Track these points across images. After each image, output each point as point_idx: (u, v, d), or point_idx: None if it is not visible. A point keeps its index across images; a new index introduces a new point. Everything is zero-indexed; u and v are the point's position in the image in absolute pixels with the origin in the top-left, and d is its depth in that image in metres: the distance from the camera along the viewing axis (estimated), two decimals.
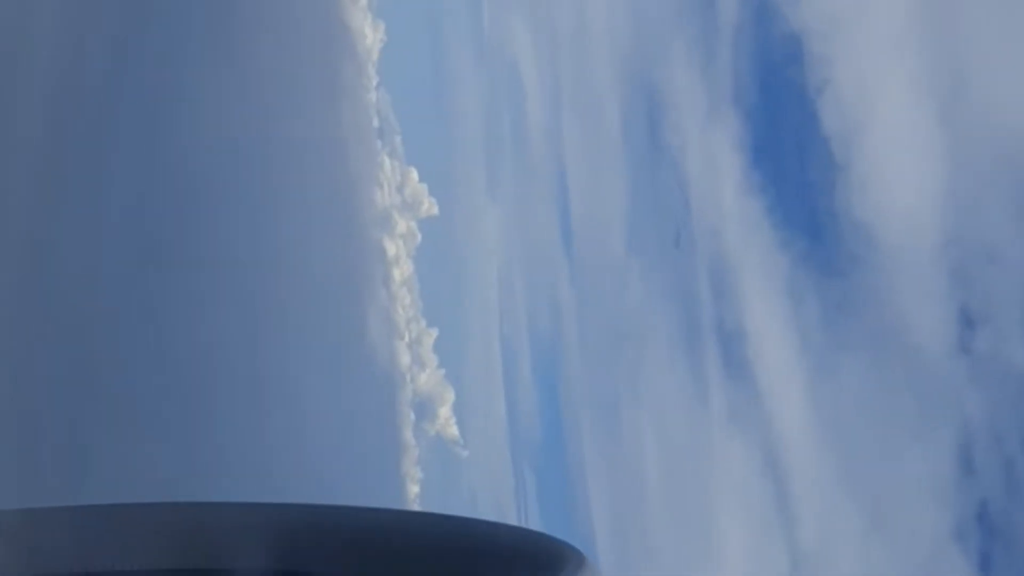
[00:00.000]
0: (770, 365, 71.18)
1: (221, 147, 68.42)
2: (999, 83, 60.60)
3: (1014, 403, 58.61)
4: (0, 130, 46.94)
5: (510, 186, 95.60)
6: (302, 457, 59.89)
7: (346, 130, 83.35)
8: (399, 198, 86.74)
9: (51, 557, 16.20)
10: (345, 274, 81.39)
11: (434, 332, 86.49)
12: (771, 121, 73.78)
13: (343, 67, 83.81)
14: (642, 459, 78.45)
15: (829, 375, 67.79)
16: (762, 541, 69.63)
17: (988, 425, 59.33)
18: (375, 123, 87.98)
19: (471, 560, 15.98)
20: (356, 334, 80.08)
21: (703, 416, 75.44)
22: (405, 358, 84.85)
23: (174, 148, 64.69)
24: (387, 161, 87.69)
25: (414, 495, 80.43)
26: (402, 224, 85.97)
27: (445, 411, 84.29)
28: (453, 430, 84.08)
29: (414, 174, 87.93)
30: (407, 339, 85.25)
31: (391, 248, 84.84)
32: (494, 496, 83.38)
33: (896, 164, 66.20)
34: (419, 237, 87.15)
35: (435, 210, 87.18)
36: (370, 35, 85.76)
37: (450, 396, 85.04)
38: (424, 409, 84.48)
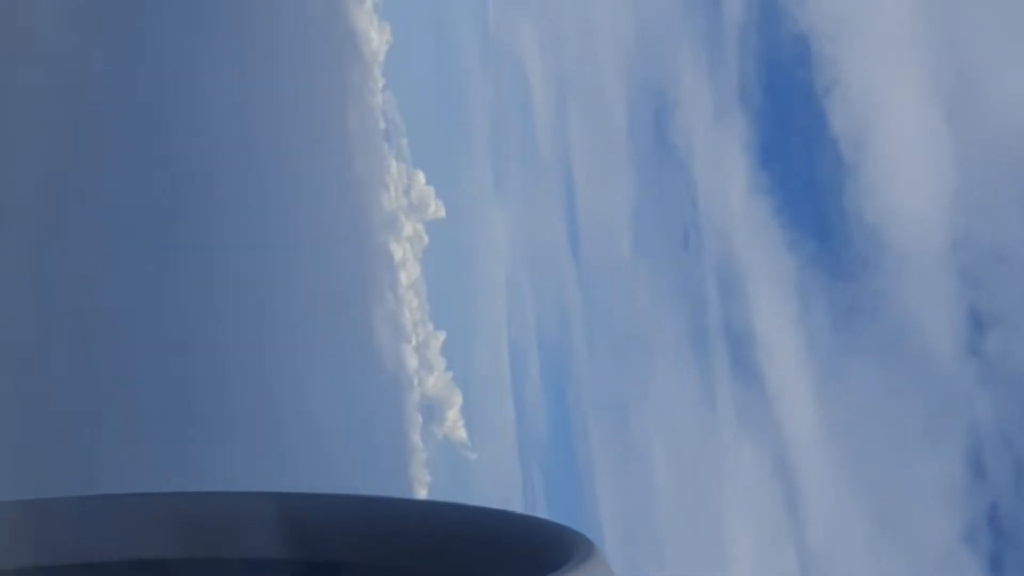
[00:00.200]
0: (779, 367, 71.00)
1: (229, 152, 68.48)
2: (1006, 84, 60.41)
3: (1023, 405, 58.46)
4: (12, 140, 46.99)
5: (517, 188, 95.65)
6: (310, 460, 59.86)
7: (353, 134, 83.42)
8: (406, 201, 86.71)
9: (69, 546, 16.31)
10: (352, 278, 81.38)
11: (442, 335, 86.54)
12: (779, 122, 73.65)
13: (349, 71, 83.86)
14: (650, 461, 78.39)
15: (838, 376, 67.64)
16: (771, 542, 69.53)
17: (998, 427, 59.16)
18: (381, 125, 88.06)
19: (481, 547, 16.05)
20: (363, 338, 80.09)
21: (711, 418, 75.36)
22: (412, 361, 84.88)
23: (182, 152, 64.71)
24: (394, 164, 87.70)
25: (422, 498, 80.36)
26: (409, 227, 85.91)
27: (453, 414, 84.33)
28: (461, 432, 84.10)
29: (421, 176, 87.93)
30: (414, 342, 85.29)
31: (398, 251, 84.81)
32: (503, 498, 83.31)
33: (904, 165, 66.03)
34: (426, 240, 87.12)
35: (442, 212, 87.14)
36: (376, 38, 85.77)
37: (458, 399, 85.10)
38: (432, 412, 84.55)
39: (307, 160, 76.44)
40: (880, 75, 67.92)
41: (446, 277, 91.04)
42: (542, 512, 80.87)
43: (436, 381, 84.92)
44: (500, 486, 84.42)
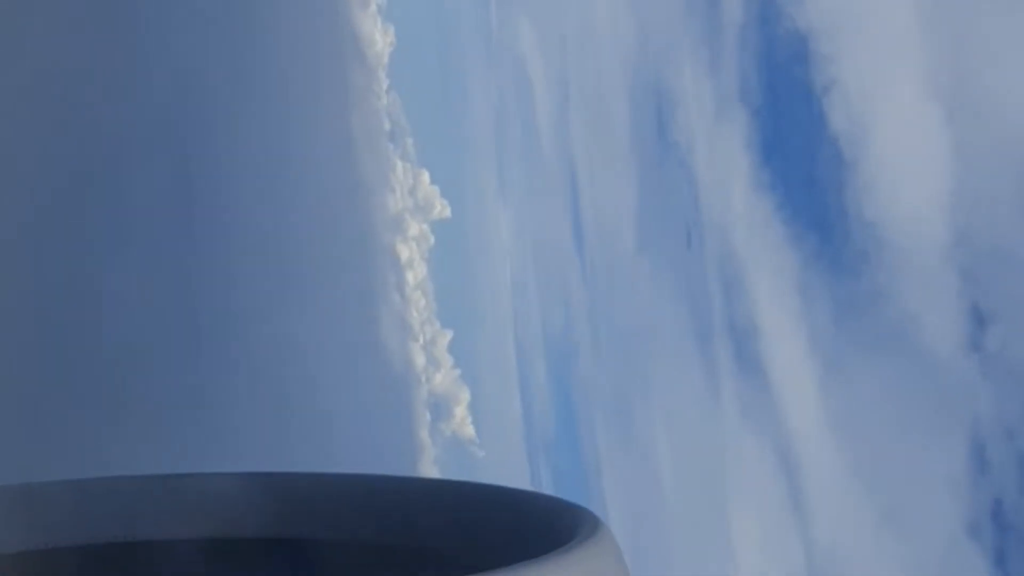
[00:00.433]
0: (782, 362, 71.64)
1: (234, 155, 68.89)
2: (1006, 82, 60.77)
3: None
4: (21, 141, 47.45)
5: (521, 186, 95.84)
6: (319, 457, 60.47)
7: (358, 137, 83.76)
8: (411, 201, 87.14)
9: (78, 527, 16.45)
10: (360, 279, 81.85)
11: (449, 333, 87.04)
12: (779, 120, 74.02)
13: (354, 75, 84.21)
14: (656, 455, 79.04)
15: (841, 372, 68.23)
16: (776, 537, 70.27)
17: (1000, 421, 59.82)
18: (386, 127, 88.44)
19: (484, 523, 16.07)
20: (371, 337, 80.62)
21: (716, 413, 75.97)
22: (420, 359, 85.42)
23: (187, 157, 65.16)
24: (399, 164, 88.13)
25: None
26: (415, 227, 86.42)
27: (461, 411, 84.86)
28: (469, 430, 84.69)
29: (426, 176, 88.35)
30: (422, 340, 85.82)
31: (404, 251, 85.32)
32: None
33: (904, 163, 66.43)
34: (432, 239, 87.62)
35: (447, 212, 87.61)
36: (380, 40, 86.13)
37: (465, 396, 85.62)
38: (440, 409, 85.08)
39: (314, 164, 76.88)
40: (879, 73, 68.32)
41: (452, 276, 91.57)
42: None
43: (443, 379, 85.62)
44: (508, 482, 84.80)
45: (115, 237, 56.74)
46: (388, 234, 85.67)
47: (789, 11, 71.54)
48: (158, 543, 16.35)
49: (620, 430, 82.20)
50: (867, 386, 66.61)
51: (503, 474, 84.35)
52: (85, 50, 55.11)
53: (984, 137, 61.85)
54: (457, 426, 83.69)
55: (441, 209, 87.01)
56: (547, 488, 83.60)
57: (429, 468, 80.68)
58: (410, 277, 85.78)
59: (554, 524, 14.68)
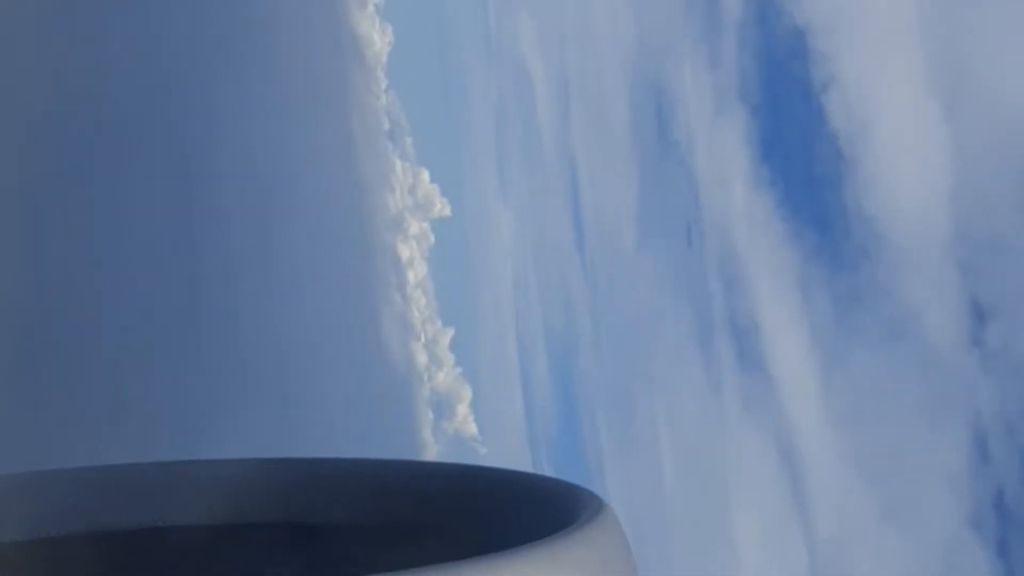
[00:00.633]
0: (783, 358, 71.76)
1: (234, 157, 69.00)
2: (1004, 77, 60.93)
3: None
4: (11, 137, 47.52)
5: (522, 184, 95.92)
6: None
7: (358, 138, 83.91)
8: (411, 200, 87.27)
9: (84, 515, 16.52)
10: (361, 279, 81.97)
11: (450, 331, 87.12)
12: (778, 117, 74.19)
13: (353, 76, 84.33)
14: (659, 451, 79.13)
15: (842, 367, 68.38)
16: (778, 531, 70.37)
17: (1001, 415, 59.98)
18: (386, 126, 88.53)
19: (489, 505, 16.06)
20: (373, 336, 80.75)
21: (718, 408, 76.10)
22: (422, 358, 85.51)
23: (187, 158, 65.27)
24: (398, 163, 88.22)
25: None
26: (415, 226, 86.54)
27: (463, 409, 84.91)
28: (471, 427, 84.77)
29: (425, 175, 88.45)
30: (423, 339, 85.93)
31: (405, 251, 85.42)
32: None
33: (903, 159, 66.60)
34: (432, 238, 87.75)
35: (447, 211, 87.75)
36: (378, 40, 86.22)
37: (467, 394, 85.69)
38: (442, 407, 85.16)
39: (314, 165, 76.98)
40: (877, 70, 68.49)
41: (453, 274, 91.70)
42: None
43: (445, 377, 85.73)
44: None
45: (113, 239, 56.85)
46: (388, 234, 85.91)
47: (788, 8, 71.82)
48: (165, 529, 16.44)
49: (621, 426, 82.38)
50: (868, 381, 66.84)
51: None
52: (83, 53, 55.27)
53: (983, 132, 62.06)
54: (459, 424, 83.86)
55: (441, 208, 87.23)
56: None
57: None
58: (411, 276, 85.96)
59: (558, 506, 14.69)
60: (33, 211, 48.54)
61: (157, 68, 63.28)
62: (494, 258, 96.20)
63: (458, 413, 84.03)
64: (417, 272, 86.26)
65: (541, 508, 15.01)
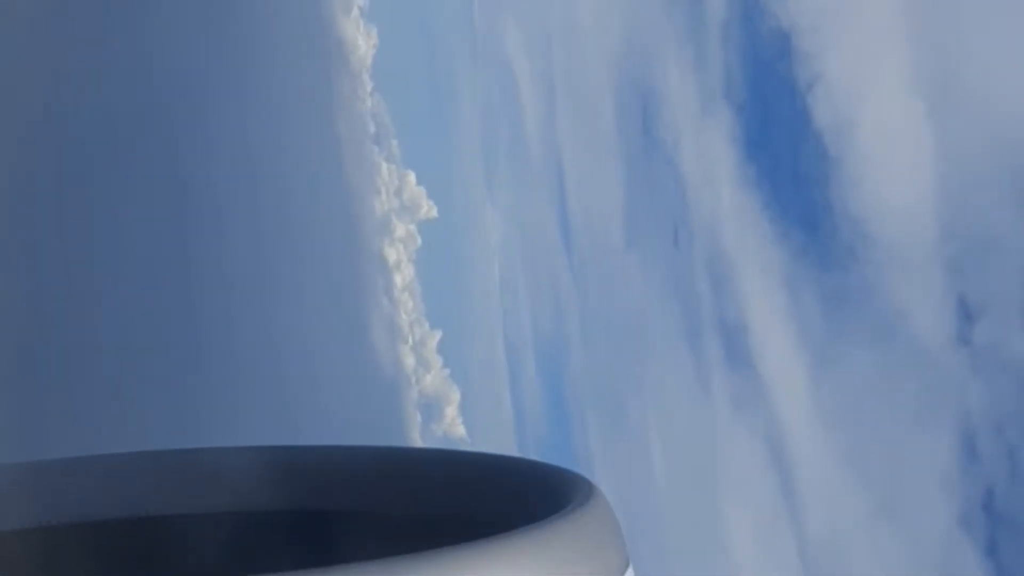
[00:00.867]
0: (772, 358, 71.84)
1: (220, 164, 68.94)
2: (987, 77, 61.04)
3: (1015, 392, 59.34)
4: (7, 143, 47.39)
5: (508, 185, 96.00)
6: None
7: (344, 143, 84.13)
8: (398, 202, 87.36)
9: (85, 504, 16.35)
10: (348, 284, 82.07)
11: (438, 333, 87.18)
12: (764, 117, 74.34)
13: (338, 82, 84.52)
14: (648, 452, 79.15)
15: (830, 366, 68.46)
16: (769, 530, 70.43)
17: (990, 414, 60.04)
18: (371, 129, 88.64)
19: (477, 490, 15.90)
20: (361, 341, 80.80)
21: (707, 408, 76.15)
22: (410, 360, 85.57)
23: (173, 164, 65.14)
24: (384, 166, 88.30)
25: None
26: (401, 228, 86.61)
27: (451, 411, 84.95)
28: (460, 429, 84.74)
29: (412, 177, 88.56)
30: (411, 342, 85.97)
31: (392, 253, 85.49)
32: None
33: (889, 158, 66.71)
34: (419, 240, 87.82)
35: (434, 213, 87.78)
36: (363, 44, 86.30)
37: (456, 396, 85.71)
38: (430, 410, 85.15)
39: (300, 172, 77.01)
40: (862, 69, 68.62)
41: (441, 276, 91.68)
42: None
43: (433, 379, 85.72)
44: None
45: (100, 245, 56.72)
46: (375, 237, 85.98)
47: (772, 8, 71.92)
48: (168, 518, 16.31)
49: (611, 426, 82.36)
50: (856, 380, 66.89)
51: None
52: (66, 58, 55.13)
53: (969, 131, 62.17)
54: (448, 426, 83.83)
55: (428, 210, 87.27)
56: None
57: None
58: (398, 279, 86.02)
59: (548, 490, 14.51)
60: (25, 209, 48.38)
61: (141, 75, 63.16)
62: (482, 260, 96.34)
63: (447, 415, 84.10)
64: (404, 275, 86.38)
65: (531, 492, 14.79)
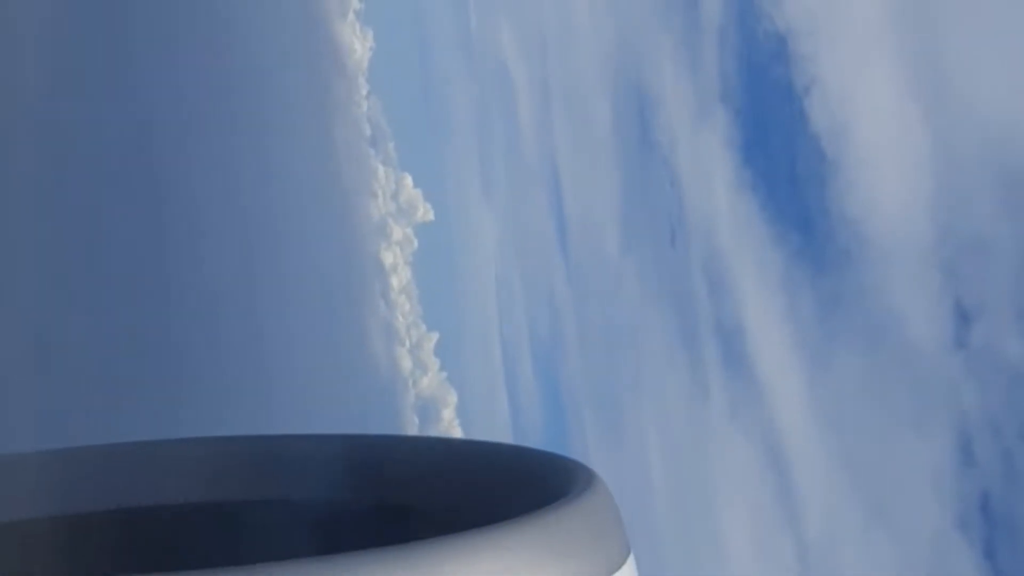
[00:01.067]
0: (768, 360, 71.93)
1: (216, 171, 68.93)
2: (982, 79, 61.23)
3: (1010, 395, 59.45)
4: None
5: (504, 187, 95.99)
6: None
7: (340, 147, 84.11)
8: (394, 205, 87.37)
9: (82, 494, 16.38)
10: (346, 288, 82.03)
11: (434, 336, 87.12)
12: (760, 120, 74.48)
13: (335, 86, 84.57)
14: (645, 455, 79.16)
15: (827, 368, 68.55)
16: (766, 533, 70.46)
17: (985, 417, 60.12)
18: (368, 132, 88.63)
19: (476, 479, 15.90)
20: (358, 343, 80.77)
21: (704, 411, 76.20)
22: (407, 363, 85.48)
23: (167, 171, 65.14)
24: (380, 169, 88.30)
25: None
26: (398, 231, 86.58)
27: (448, 413, 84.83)
28: (457, 432, 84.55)
29: (408, 180, 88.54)
30: (408, 344, 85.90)
31: (388, 256, 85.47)
32: None
33: (885, 161, 66.87)
34: (416, 243, 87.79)
35: (431, 215, 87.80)
36: (360, 48, 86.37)
37: (453, 399, 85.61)
38: (427, 412, 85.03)
39: (297, 177, 77.09)
40: (858, 72, 68.79)
41: (437, 279, 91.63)
42: None
43: (431, 382, 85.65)
44: None
45: (91, 249, 56.72)
46: (372, 241, 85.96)
47: (768, 11, 72.07)
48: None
49: (608, 428, 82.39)
50: (853, 382, 66.98)
51: None
52: (58, 65, 55.14)
53: (963, 134, 62.33)
54: (445, 429, 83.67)
55: (424, 212, 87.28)
56: None
57: None
58: (395, 282, 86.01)
59: (548, 478, 14.56)
60: (14, 210, 48.37)
61: (137, 82, 63.21)
62: (478, 262, 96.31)
63: (444, 418, 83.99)
64: (401, 277, 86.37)
65: (531, 481, 14.82)
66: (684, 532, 74.57)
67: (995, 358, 59.56)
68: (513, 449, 16.78)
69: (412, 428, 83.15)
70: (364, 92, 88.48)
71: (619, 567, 13.49)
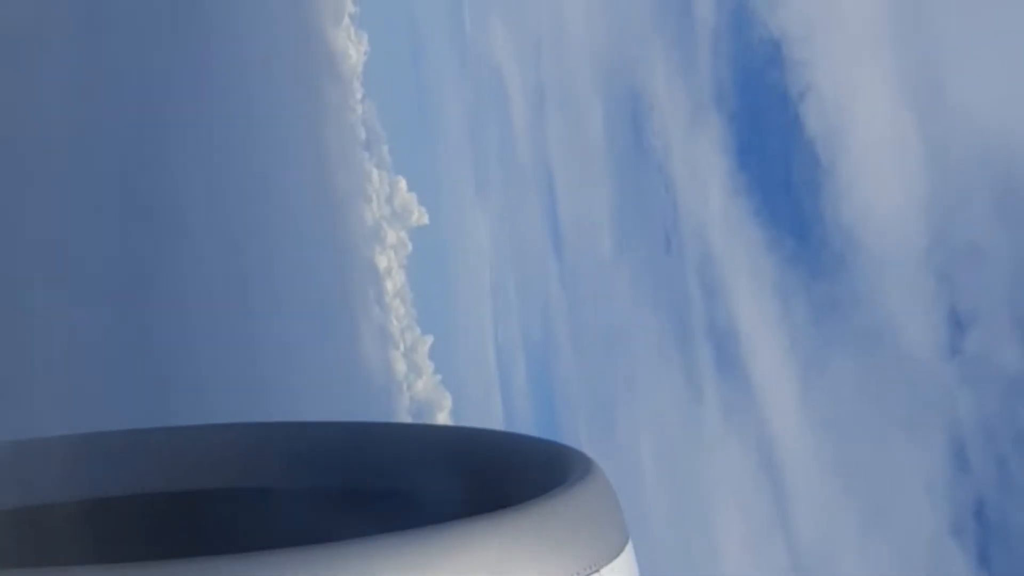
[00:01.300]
0: (762, 365, 71.97)
1: (210, 174, 68.88)
2: (975, 86, 61.37)
3: (1004, 401, 59.50)
4: None
5: (499, 191, 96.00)
6: None
7: (334, 151, 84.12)
8: (388, 209, 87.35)
9: (77, 483, 16.03)
10: (340, 292, 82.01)
11: (429, 339, 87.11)
12: (755, 125, 74.54)
13: (330, 92, 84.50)
14: (639, 459, 79.13)
15: (821, 374, 68.59)
16: (759, 537, 70.48)
17: (980, 423, 60.16)
18: (362, 136, 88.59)
19: (474, 466, 15.69)
20: (352, 347, 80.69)
21: (698, 415, 76.20)
22: (401, 366, 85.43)
23: (160, 174, 65.06)
24: (375, 172, 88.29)
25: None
26: (392, 235, 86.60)
27: (443, 417, 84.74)
28: None
29: (403, 184, 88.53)
30: (402, 348, 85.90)
31: (383, 260, 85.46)
32: None
33: (879, 166, 66.97)
34: (410, 246, 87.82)
35: (425, 219, 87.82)
36: (354, 53, 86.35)
37: (447, 402, 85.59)
38: (422, 415, 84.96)
39: (290, 182, 77.07)
40: (853, 78, 68.90)
41: (432, 282, 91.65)
42: None
43: (425, 385, 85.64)
44: None
45: (86, 254, 56.58)
46: (366, 244, 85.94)
47: (763, 16, 72.14)
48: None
49: (602, 432, 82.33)
50: (847, 388, 67.01)
51: None
52: (49, 74, 55.08)
53: (957, 140, 62.43)
54: None
55: (419, 216, 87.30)
56: None
57: None
58: (389, 285, 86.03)
59: (546, 466, 14.48)
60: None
61: (133, 80, 63.13)
62: (472, 265, 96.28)
63: (438, 421, 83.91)
64: (395, 281, 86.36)
65: (529, 467, 14.73)
66: (678, 535, 74.55)
67: (990, 365, 59.65)
68: (509, 436, 16.55)
69: None
70: (359, 96, 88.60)
71: (618, 553, 13.43)
